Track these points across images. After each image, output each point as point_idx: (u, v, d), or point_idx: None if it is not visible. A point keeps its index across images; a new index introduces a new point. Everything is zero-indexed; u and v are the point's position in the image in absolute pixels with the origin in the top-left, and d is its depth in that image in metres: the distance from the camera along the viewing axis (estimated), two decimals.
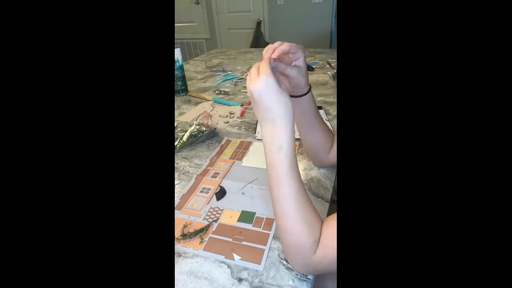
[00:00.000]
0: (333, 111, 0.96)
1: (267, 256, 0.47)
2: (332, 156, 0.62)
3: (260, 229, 0.52)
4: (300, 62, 0.49)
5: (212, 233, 0.52)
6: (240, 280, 0.44)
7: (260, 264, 0.46)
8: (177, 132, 0.85)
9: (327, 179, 0.64)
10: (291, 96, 0.51)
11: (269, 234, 0.51)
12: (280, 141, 0.39)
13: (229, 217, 0.56)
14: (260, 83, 0.39)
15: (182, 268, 0.46)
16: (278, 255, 0.47)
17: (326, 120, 0.89)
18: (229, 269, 0.46)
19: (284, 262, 0.46)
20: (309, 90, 0.53)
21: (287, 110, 0.40)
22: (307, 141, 0.62)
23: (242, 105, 1.04)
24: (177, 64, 1.13)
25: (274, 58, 0.47)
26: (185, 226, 0.54)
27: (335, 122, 0.88)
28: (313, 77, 1.28)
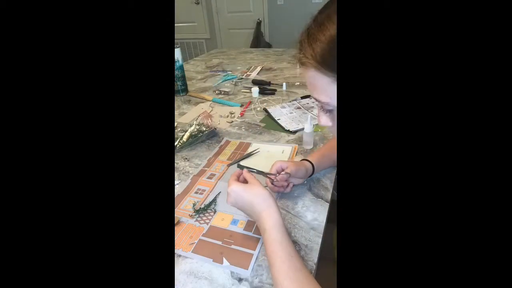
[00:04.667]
0: None
1: (255, 261, 0.46)
2: None
3: (250, 233, 0.52)
4: (294, 176, 0.59)
5: (203, 235, 0.52)
6: (240, 280, 0.44)
7: (247, 269, 0.45)
8: (177, 132, 0.85)
9: (327, 179, 0.64)
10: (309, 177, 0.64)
11: (259, 238, 0.50)
12: (264, 225, 0.46)
13: (221, 220, 0.55)
14: (230, 194, 0.49)
15: (182, 268, 0.46)
16: None
17: None
18: (229, 269, 0.46)
19: None
20: (313, 169, 0.62)
21: (262, 197, 0.47)
22: None
23: (242, 105, 1.04)
24: (177, 64, 1.13)
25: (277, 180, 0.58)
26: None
27: None
28: None
